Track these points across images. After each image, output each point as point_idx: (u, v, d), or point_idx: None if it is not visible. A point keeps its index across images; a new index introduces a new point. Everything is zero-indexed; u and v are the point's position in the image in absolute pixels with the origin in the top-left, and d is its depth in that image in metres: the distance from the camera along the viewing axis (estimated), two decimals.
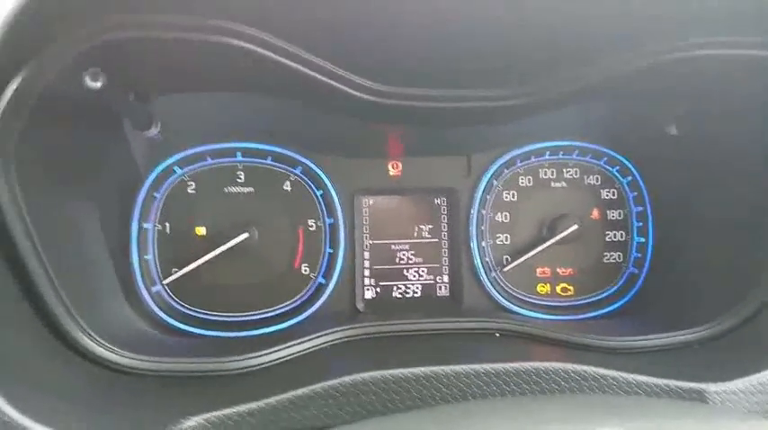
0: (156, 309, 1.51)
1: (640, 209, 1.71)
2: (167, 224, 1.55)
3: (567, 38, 1.11)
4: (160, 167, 1.54)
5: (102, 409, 1.02)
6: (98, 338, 1.15)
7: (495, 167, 1.68)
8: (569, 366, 1.14)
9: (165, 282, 1.53)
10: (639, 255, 1.70)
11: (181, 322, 1.52)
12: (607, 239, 1.72)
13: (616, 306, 1.68)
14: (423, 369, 1.12)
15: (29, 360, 1.04)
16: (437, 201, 1.70)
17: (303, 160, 1.61)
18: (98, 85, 0.97)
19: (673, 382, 1.11)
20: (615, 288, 1.71)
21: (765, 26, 1.09)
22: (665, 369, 1.16)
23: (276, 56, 1.07)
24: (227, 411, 1.02)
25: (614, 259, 1.72)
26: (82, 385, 1.10)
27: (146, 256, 1.52)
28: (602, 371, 1.14)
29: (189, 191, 1.57)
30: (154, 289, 1.52)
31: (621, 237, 1.72)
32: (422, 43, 1.10)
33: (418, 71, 1.19)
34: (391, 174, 1.68)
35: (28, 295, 1.07)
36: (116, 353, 1.17)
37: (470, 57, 1.15)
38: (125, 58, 1.03)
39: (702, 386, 1.10)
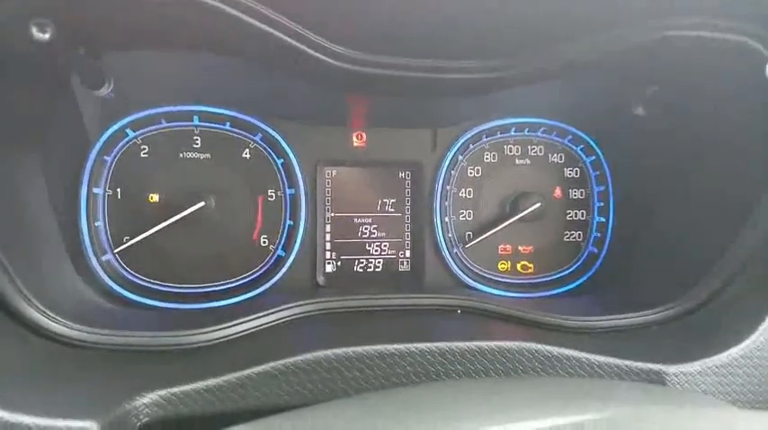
0: (106, 278, 1.44)
1: (602, 188, 1.72)
2: (119, 189, 1.48)
3: (546, 14, 1.08)
4: (111, 129, 1.46)
5: (50, 385, 0.97)
6: (45, 310, 1.09)
7: (460, 142, 1.66)
8: (532, 346, 1.14)
9: (116, 251, 1.46)
10: (599, 234, 1.71)
11: (133, 293, 1.46)
12: (568, 218, 1.73)
13: (575, 284, 1.70)
14: (387, 346, 1.10)
15: None
16: (401, 174, 1.67)
17: (263, 127, 1.55)
18: (46, 36, 0.91)
19: (632, 363, 1.13)
20: (575, 267, 1.73)
21: (738, 10, 1.09)
22: (625, 350, 1.17)
23: (238, 12, 1.00)
24: (184, 388, 0.98)
25: (574, 238, 1.73)
26: (27, 359, 1.04)
27: (95, 223, 1.44)
28: (563, 351, 1.14)
29: (142, 155, 1.50)
30: (104, 257, 1.45)
31: (582, 217, 1.74)
32: (398, 11, 1.06)
33: (393, 39, 1.14)
34: (355, 145, 1.64)
35: None
36: (64, 326, 1.11)
37: (447, 28, 1.12)
38: (75, 8, 0.96)
39: (662, 367, 1.11)
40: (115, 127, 1.46)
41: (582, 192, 1.73)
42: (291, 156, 1.57)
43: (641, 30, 1.13)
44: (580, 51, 1.17)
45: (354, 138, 1.64)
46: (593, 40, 1.15)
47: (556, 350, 1.14)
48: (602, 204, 1.72)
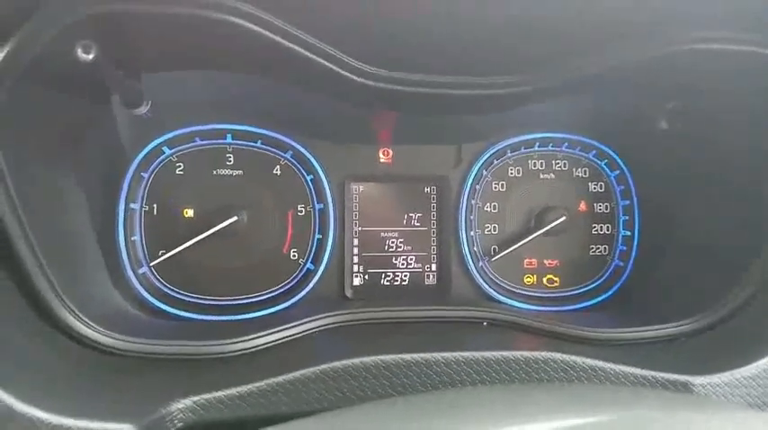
0: (142, 290, 1.49)
1: (627, 202, 1.72)
2: (155, 205, 1.53)
3: (569, 29, 1.10)
4: (148, 147, 1.52)
5: (90, 390, 1.01)
6: (84, 318, 1.14)
7: (485, 157, 1.68)
8: (557, 356, 1.15)
9: (151, 264, 1.52)
10: (625, 248, 1.71)
11: (167, 305, 1.50)
12: (593, 232, 1.74)
13: (601, 298, 1.70)
14: (413, 355, 1.12)
15: (13, 339, 1.02)
16: (427, 189, 1.69)
17: (294, 144, 1.59)
18: (89, 57, 0.96)
19: (659, 374, 1.13)
20: (601, 280, 1.72)
21: (764, 23, 1.10)
22: (651, 361, 1.17)
23: (272, 34, 1.05)
24: (216, 394, 1.01)
25: (600, 252, 1.74)
26: (68, 365, 1.08)
27: (132, 237, 1.50)
28: (589, 361, 1.15)
29: (177, 172, 1.55)
30: (140, 270, 1.50)
31: (608, 230, 1.74)
32: (422, 29, 1.09)
33: (416, 57, 1.18)
34: (382, 161, 1.67)
35: (12, 271, 1.05)
36: (102, 334, 1.15)
37: (471, 44, 1.15)
38: (117, 32, 1.01)
39: (688, 378, 1.11)
40: (152, 145, 1.52)
41: (607, 206, 1.74)
42: (320, 172, 1.61)
43: (665, 42, 1.14)
44: (602, 64, 1.19)
45: (381, 155, 1.67)
46: (616, 52, 1.17)
47: (581, 360, 1.15)
48: (627, 218, 1.72)
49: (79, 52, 0.97)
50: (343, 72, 1.16)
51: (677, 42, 1.14)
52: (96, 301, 1.29)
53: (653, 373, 1.13)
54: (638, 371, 1.14)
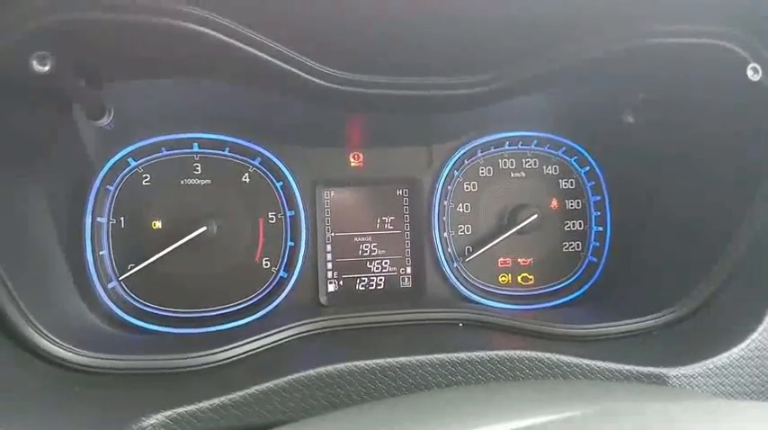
0: (112, 305, 1.46)
1: (598, 198, 1.74)
2: (122, 218, 1.50)
3: (532, 25, 1.11)
4: (113, 159, 1.49)
5: (59, 409, 0.98)
6: (51, 336, 1.11)
7: (455, 158, 1.68)
8: (532, 354, 1.15)
9: (121, 279, 1.48)
10: (598, 244, 1.73)
11: (138, 319, 1.47)
12: (566, 229, 1.75)
13: (576, 294, 1.71)
14: (387, 360, 1.11)
15: None
16: (399, 192, 1.69)
17: (262, 151, 1.58)
18: (45, 69, 0.94)
19: (634, 368, 1.14)
20: (575, 277, 1.73)
21: (727, 16, 1.11)
22: (626, 355, 1.18)
23: (232, 40, 1.04)
24: (189, 408, 0.99)
25: (573, 248, 1.75)
26: (36, 385, 1.05)
27: (100, 252, 1.47)
28: (564, 358, 1.15)
29: (144, 183, 1.52)
30: (110, 285, 1.47)
31: (580, 227, 1.75)
32: (385, 30, 1.09)
33: (379, 59, 1.17)
34: (352, 164, 1.66)
35: None
36: (71, 352, 1.12)
37: (434, 44, 1.14)
38: (73, 41, 0.99)
39: (662, 371, 1.12)
40: (117, 156, 1.49)
41: (578, 203, 1.75)
42: (290, 178, 1.59)
43: (624, 37, 1.16)
44: (564, 61, 1.20)
45: (351, 159, 1.66)
46: (576, 50, 1.18)
47: (556, 357, 1.15)
48: (599, 214, 1.74)
49: (34, 64, 0.95)
50: (305, 76, 1.15)
51: (637, 37, 1.15)
52: (64, 318, 1.26)
53: (628, 367, 1.14)
54: (613, 365, 1.15)
